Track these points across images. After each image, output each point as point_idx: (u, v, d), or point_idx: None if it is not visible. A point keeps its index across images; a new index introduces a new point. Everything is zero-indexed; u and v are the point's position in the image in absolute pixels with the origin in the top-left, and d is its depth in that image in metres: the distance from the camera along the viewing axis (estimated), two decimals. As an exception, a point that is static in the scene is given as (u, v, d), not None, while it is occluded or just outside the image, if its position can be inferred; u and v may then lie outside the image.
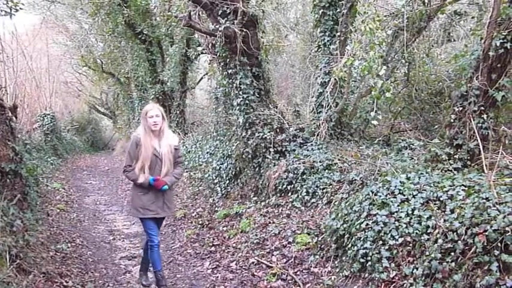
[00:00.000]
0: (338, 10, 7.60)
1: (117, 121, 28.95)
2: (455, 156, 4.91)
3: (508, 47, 4.45)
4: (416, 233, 3.87)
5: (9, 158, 5.52)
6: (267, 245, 5.61)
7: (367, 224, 4.35)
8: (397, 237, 4.01)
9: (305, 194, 6.25)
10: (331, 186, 6.00)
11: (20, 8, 6.47)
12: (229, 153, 8.45)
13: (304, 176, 6.47)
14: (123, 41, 16.77)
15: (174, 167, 4.76)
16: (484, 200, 3.52)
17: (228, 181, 8.30)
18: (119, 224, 8.24)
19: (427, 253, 3.61)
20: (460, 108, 4.90)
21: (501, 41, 4.44)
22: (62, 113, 24.98)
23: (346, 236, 4.62)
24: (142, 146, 4.52)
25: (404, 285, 3.66)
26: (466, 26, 9.03)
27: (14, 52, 14.50)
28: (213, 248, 6.27)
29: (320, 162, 6.43)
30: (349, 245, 4.48)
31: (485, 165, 4.37)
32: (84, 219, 8.51)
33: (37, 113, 17.27)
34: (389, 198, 4.43)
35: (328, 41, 7.78)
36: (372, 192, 4.67)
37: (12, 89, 12.89)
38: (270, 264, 5.14)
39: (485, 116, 4.70)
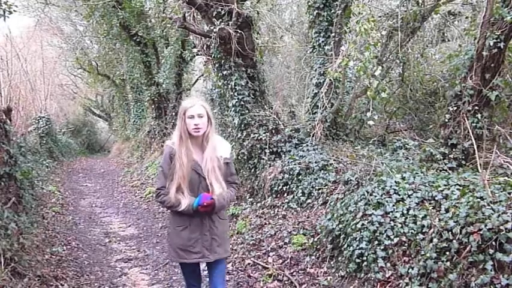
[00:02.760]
0: (332, 11, 7.62)
1: (113, 123, 28.91)
2: (450, 155, 4.92)
3: (501, 47, 4.47)
4: (412, 232, 3.88)
5: (3, 161, 5.49)
6: (263, 246, 5.61)
7: (363, 224, 4.36)
8: (392, 237, 4.01)
9: (301, 194, 6.26)
10: (326, 187, 6.01)
11: (14, 11, 6.44)
12: (225, 155, 8.43)
13: (300, 177, 6.47)
14: (118, 43, 16.75)
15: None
16: (479, 199, 3.53)
17: (223, 182, 8.28)
18: (114, 226, 8.21)
19: (423, 252, 3.62)
20: (455, 108, 4.92)
21: (494, 40, 4.47)
22: (57, 116, 24.89)
23: (341, 237, 4.63)
24: (177, 159, 3.17)
25: (400, 285, 3.66)
26: (460, 26, 9.06)
27: (8, 54, 14.48)
28: (209, 250, 6.25)
29: (315, 162, 6.44)
30: (345, 245, 4.48)
31: (480, 165, 4.38)
32: (79, 222, 8.48)
33: (32, 115, 17.20)
34: (384, 198, 4.43)
35: (323, 41, 7.80)
36: (367, 193, 4.67)
37: (7, 91, 12.86)
38: (266, 265, 5.14)
39: (479, 115, 4.72)
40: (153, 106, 15.63)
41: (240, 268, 5.36)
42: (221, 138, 3.44)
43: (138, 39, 14.55)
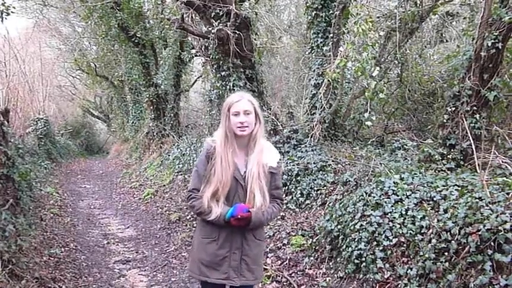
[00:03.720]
0: (331, 12, 7.62)
1: (112, 124, 28.90)
2: (448, 156, 4.92)
3: (500, 47, 4.48)
4: (410, 233, 3.88)
5: (1, 162, 5.47)
6: (262, 247, 5.60)
7: (361, 225, 4.35)
8: (391, 237, 4.01)
9: (299, 195, 6.25)
10: (325, 188, 6.00)
11: (12, 12, 6.44)
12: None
13: (299, 178, 6.46)
14: (117, 44, 16.73)
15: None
16: (477, 200, 3.53)
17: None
18: (113, 228, 8.20)
19: (421, 253, 3.62)
20: (453, 109, 4.92)
21: (492, 41, 4.47)
22: (56, 117, 24.84)
23: (340, 237, 4.62)
24: (218, 161, 2.73)
25: (399, 286, 3.66)
26: (458, 27, 9.08)
27: (7, 56, 14.46)
28: (207, 251, 6.24)
29: (314, 163, 6.43)
30: (344, 246, 4.48)
31: (478, 165, 4.39)
32: (78, 224, 8.45)
33: (30, 117, 17.16)
34: (383, 198, 4.43)
35: (321, 42, 7.80)
36: (366, 193, 4.67)
37: (5, 93, 12.83)
38: (265, 267, 5.13)
39: (477, 116, 4.72)
40: (151, 107, 15.61)
41: (238, 269, 5.34)
42: (270, 144, 2.93)
43: (136, 41, 14.54)
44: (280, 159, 2.92)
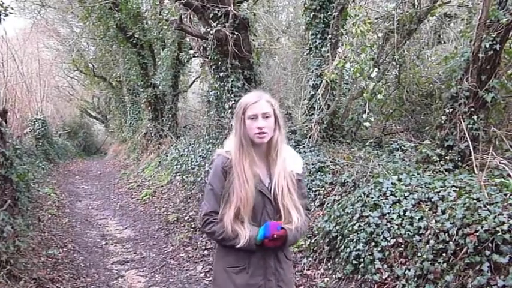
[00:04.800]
0: (329, 13, 7.63)
1: (109, 125, 28.85)
2: (446, 157, 4.93)
3: (497, 49, 4.49)
4: (408, 234, 3.89)
5: (-1, 163, 5.47)
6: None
7: (360, 226, 4.36)
8: (389, 238, 4.01)
9: (298, 196, 6.25)
10: (323, 189, 6.01)
11: (10, 13, 6.43)
12: (222, 157, 8.42)
13: (297, 179, 6.46)
14: (115, 45, 16.72)
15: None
16: (475, 201, 3.54)
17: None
18: (111, 229, 8.19)
19: (419, 254, 3.62)
20: (451, 110, 4.93)
21: (490, 42, 4.48)
22: (54, 118, 24.82)
23: (338, 238, 4.63)
24: (236, 176, 2.30)
25: (397, 287, 3.66)
26: (456, 28, 9.10)
27: (4, 56, 14.44)
28: (206, 252, 6.25)
29: (312, 164, 6.44)
30: (342, 247, 4.49)
31: (476, 166, 4.40)
32: (76, 224, 8.44)
33: (28, 117, 17.15)
34: (381, 199, 4.44)
35: (319, 43, 7.81)
36: (364, 194, 4.68)
37: (3, 93, 12.81)
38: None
39: (475, 117, 4.73)
40: (149, 108, 15.60)
41: (236, 270, 5.35)
42: (290, 148, 2.52)
43: (134, 41, 14.53)
44: (303, 164, 2.54)
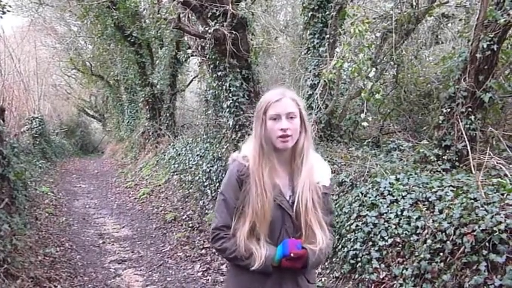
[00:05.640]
0: (327, 13, 7.63)
1: (107, 124, 28.79)
2: (443, 157, 4.94)
3: (495, 49, 4.50)
4: (406, 233, 3.90)
5: (-4, 161, 5.46)
6: (258, 247, 5.60)
7: (357, 225, 4.37)
8: (386, 238, 4.02)
9: (295, 195, 6.24)
10: (321, 188, 6.00)
11: (8, 11, 6.42)
12: (219, 156, 8.44)
13: (295, 178, 6.46)
14: (112, 44, 16.69)
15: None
16: (472, 201, 3.55)
17: (218, 183, 8.28)
18: (108, 228, 8.18)
19: (417, 253, 3.63)
20: (448, 110, 4.94)
21: (488, 43, 4.49)
22: (51, 116, 24.76)
23: (336, 238, 4.64)
24: (252, 186, 1.98)
25: (394, 286, 3.67)
26: (453, 29, 9.11)
27: (2, 55, 14.40)
28: (203, 251, 6.25)
29: (310, 164, 6.42)
30: (339, 247, 4.50)
31: (473, 166, 4.41)
32: (73, 223, 8.43)
33: (25, 116, 17.09)
34: (378, 199, 4.45)
35: (317, 43, 7.81)
36: (362, 194, 4.69)
37: (0, 92, 12.77)
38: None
39: (472, 117, 4.74)
40: (147, 107, 15.58)
41: (234, 269, 5.35)
42: (318, 156, 2.16)
43: (132, 40, 14.50)
44: (330, 174, 2.18)
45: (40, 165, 14.01)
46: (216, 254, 5.32)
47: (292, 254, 1.93)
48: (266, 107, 1.99)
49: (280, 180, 2.04)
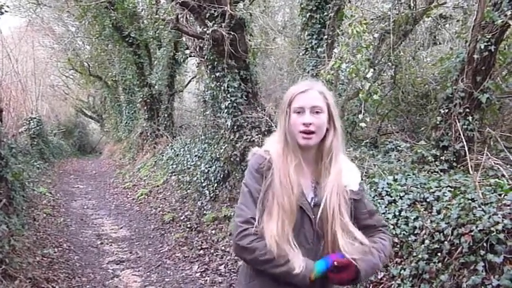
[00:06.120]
0: (325, 13, 7.64)
1: (105, 124, 28.75)
2: (441, 157, 4.96)
3: (492, 50, 4.52)
4: (404, 234, 3.90)
5: (-6, 162, 5.46)
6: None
7: (355, 226, 4.37)
8: (384, 238, 4.03)
9: (293, 196, 6.24)
10: (319, 189, 6.00)
11: (5, 11, 6.41)
12: (218, 156, 8.43)
13: (293, 179, 6.46)
14: (111, 44, 16.68)
15: (362, 232, 1.87)
16: (470, 201, 3.56)
17: (216, 184, 8.28)
18: (106, 228, 8.17)
19: (414, 254, 3.64)
20: (446, 110, 4.96)
21: (485, 44, 4.51)
22: (49, 117, 24.72)
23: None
24: (276, 180, 1.80)
25: (392, 286, 3.68)
26: (451, 29, 9.14)
27: (-1, 55, 14.37)
28: (201, 251, 6.25)
29: (308, 164, 6.43)
30: (338, 247, 4.49)
31: (471, 167, 4.42)
32: (71, 224, 8.42)
33: (23, 116, 17.06)
34: (376, 199, 4.46)
35: (315, 44, 7.82)
36: (360, 194, 4.68)
37: (-3, 92, 12.74)
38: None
39: (470, 117, 4.76)
40: (145, 107, 15.57)
41: (232, 270, 5.36)
42: (346, 158, 1.97)
43: (130, 41, 14.50)
44: (360, 177, 1.99)
45: (38, 165, 13.99)
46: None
47: (335, 263, 1.72)
48: (291, 98, 1.85)
49: (303, 179, 1.86)
